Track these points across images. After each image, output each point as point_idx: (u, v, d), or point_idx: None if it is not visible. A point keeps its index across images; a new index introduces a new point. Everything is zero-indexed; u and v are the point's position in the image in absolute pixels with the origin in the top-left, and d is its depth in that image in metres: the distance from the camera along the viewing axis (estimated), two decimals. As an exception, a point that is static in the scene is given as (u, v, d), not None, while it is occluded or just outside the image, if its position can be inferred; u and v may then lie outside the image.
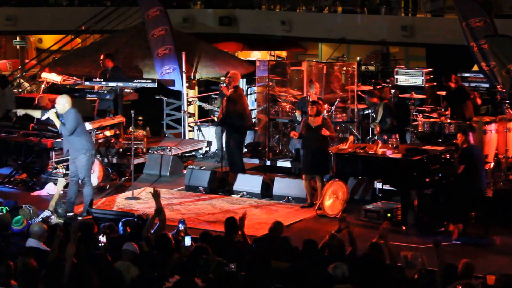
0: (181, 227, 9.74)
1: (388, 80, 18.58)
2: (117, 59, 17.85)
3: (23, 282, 7.80)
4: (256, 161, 16.66)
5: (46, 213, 10.76)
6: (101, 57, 17.51)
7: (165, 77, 17.96)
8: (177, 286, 7.65)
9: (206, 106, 18.08)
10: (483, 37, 16.61)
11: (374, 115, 15.88)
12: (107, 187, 14.97)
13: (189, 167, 15.86)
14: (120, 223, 10.13)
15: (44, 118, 13.33)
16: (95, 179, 14.49)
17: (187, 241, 9.23)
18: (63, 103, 12.92)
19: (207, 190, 14.89)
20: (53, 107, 13.06)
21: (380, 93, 16.42)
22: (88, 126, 15.47)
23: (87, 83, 17.41)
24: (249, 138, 17.24)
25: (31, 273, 7.84)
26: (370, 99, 15.70)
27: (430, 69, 18.51)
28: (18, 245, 9.25)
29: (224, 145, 15.66)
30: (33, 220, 10.30)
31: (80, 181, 13.14)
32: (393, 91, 17.58)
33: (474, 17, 16.74)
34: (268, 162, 16.34)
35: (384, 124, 15.30)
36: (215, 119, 16.42)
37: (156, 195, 10.27)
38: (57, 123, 12.95)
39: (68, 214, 11.97)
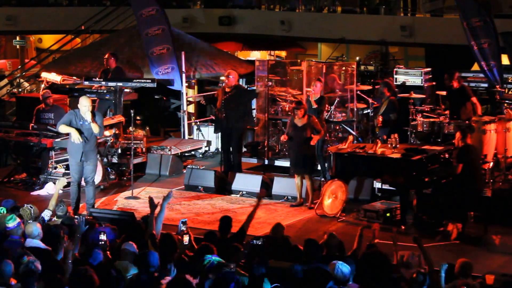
0: (183, 227, 9.78)
1: (388, 80, 18.56)
2: (117, 58, 17.85)
3: (25, 281, 7.82)
4: (255, 161, 16.69)
5: (47, 212, 10.76)
6: (106, 56, 17.53)
7: (163, 77, 17.96)
8: (171, 285, 7.65)
9: (202, 100, 18.07)
10: (483, 36, 16.62)
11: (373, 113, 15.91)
12: (105, 187, 15.00)
13: (188, 166, 15.88)
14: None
15: (87, 123, 12.88)
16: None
17: (186, 240, 9.26)
18: (89, 104, 12.88)
19: (206, 190, 14.91)
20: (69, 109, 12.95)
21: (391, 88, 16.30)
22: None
23: (86, 83, 17.42)
24: (248, 137, 17.29)
25: (34, 273, 7.86)
26: (383, 89, 15.64)
27: (429, 69, 18.53)
28: (18, 244, 9.27)
29: (221, 145, 15.66)
30: (33, 220, 10.31)
31: (84, 182, 13.21)
32: (395, 90, 17.55)
33: (475, 16, 16.76)
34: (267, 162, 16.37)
35: (387, 118, 15.30)
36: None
37: (167, 198, 10.36)
38: (96, 127, 12.84)
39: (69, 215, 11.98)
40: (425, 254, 8.78)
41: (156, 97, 19.23)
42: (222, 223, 10.23)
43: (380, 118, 15.22)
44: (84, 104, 12.86)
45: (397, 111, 15.46)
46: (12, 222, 9.56)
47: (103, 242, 9.04)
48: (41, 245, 9.21)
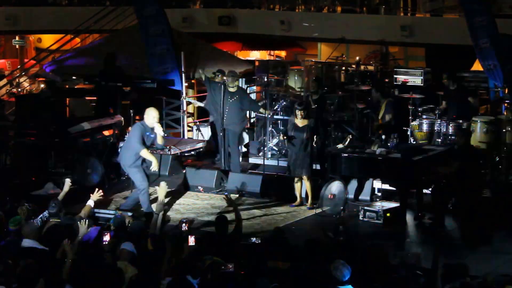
0: (184, 227, 9.76)
1: (387, 80, 18.57)
2: (116, 58, 17.85)
3: (22, 282, 7.82)
4: (255, 160, 16.67)
5: (46, 213, 10.73)
6: (106, 56, 17.51)
7: (163, 77, 17.93)
8: (171, 286, 7.63)
9: (196, 103, 18.05)
10: (485, 36, 16.60)
11: (374, 115, 15.91)
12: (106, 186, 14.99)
13: (188, 166, 15.85)
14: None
15: (153, 135, 12.77)
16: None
17: (191, 241, 9.21)
18: (158, 115, 12.75)
19: (206, 190, 14.88)
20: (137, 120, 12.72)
21: (384, 91, 16.31)
22: (87, 125, 15.51)
23: (86, 83, 17.41)
24: (248, 137, 17.26)
25: (32, 274, 7.86)
26: (377, 95, 15.69)
27: (429, 69, 18.50)
28: (16, 244, 9.26)
29: (220, 144, 15.62)
30: (32, 219, 10.29)
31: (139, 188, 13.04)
32: (392, 90, 17.56)
33: (477, 16, 16.72)
34: (267, 161, 16.32)
35: (384, 120, 15.37)
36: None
37: (162, 189, 10.35)
38: (162, 140, 12.75)
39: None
40: (436, 258, 8.86)
41: (156, 97, 19.19)
42: (218, 223, 10.21)
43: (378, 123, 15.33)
44: (153, 115, 12.70)
45: (393, 112, 15.49)
46: (14, 227, 9.56)
47: (106, 243, 8.98)
48: (38, 245, 9.17)
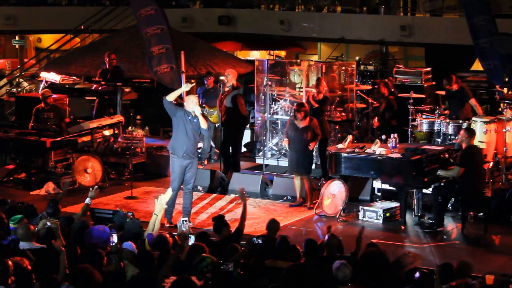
0: (186, 227, 9.73)
1: (387, 80, 18.56)
2: (116, 58, 17.85)
3: (17, 282, 7.83)
4: (255, 161, 16.67)
5: (45, 213, 10.73)
6: (110, 56, 17.49)
7: (163, 77, 17.90)
8: (175, 285, 7.63)
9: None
10: (485, 35, 16.60)
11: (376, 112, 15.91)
12: (105, 187, 14.98)
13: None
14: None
15: (196, 120, 12.32)
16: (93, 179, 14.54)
17: (192, 240, 9.18)
18: (197, 100, 12.48)
19: (207, 190, 14.88)
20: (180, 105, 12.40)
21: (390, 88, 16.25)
22: (87, 125, 15.50)
23: (86, 83, 17.39)
24: (248, 137, 17.26)
25: (25, 273, 7.86)
26: (382, 89, 15.71)
27: (429, 68, 18.51)
28: (17, 243, 9.25)
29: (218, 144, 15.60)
30: (31, 219, 10.29)
31: (183, 188, 12.75)
32: (392, 90, 17.55)
33: (478, 16, 16.73)
34: (267, 161, 16.32)
35: (383, 117, 15.34)
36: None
37: (166, 196, 10.34)
38: (205, 122, 12.28)
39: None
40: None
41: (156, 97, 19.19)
42: (216, 223, 10.18)
43: (376, 119, 15.27)
44: (192, 100, 12.39)
45: (394, 111, 15.48)
46: (14, 224, 9.56)
47: (113, 244, 8.94)
48: (34, 245, 9.14)
